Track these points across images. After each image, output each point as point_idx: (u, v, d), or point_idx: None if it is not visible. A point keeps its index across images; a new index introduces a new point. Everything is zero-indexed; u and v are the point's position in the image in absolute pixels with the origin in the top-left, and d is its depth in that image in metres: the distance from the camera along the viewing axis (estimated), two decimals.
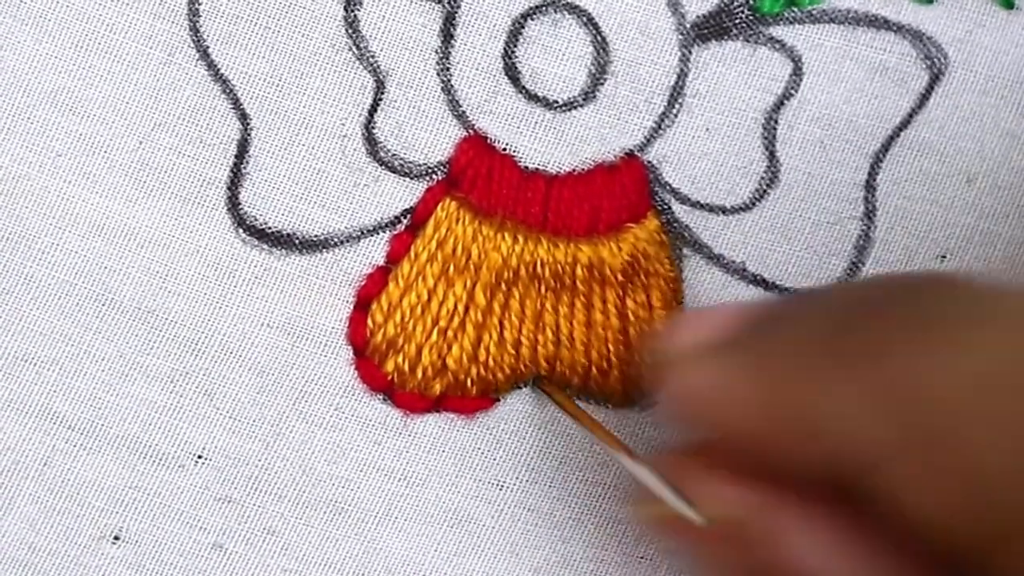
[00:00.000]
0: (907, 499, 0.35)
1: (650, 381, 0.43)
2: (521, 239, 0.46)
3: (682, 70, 0.46)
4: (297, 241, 0.46)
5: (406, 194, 0.46)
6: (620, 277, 0.46)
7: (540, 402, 0.47)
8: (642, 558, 0.48)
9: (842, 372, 0.36)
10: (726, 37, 0.46)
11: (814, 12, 0.46)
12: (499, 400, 0.47)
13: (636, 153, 0.46)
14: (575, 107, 0.45)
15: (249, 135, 0.45)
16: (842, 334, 0.37)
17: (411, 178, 0.46)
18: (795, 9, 0.46)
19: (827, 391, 0.36)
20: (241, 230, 0.45)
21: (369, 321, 0.46)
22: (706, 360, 0.39)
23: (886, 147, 0.47)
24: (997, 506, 0.34)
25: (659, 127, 0.46)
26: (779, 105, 0.46)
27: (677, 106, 0.46)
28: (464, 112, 0.45)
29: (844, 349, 0.36)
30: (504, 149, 0.46)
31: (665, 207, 0.46)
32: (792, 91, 0.46)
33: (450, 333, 0.46)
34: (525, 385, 0.47)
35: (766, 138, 0.46)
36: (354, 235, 0.46)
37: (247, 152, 0.45)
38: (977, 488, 0.34)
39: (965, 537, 0.35)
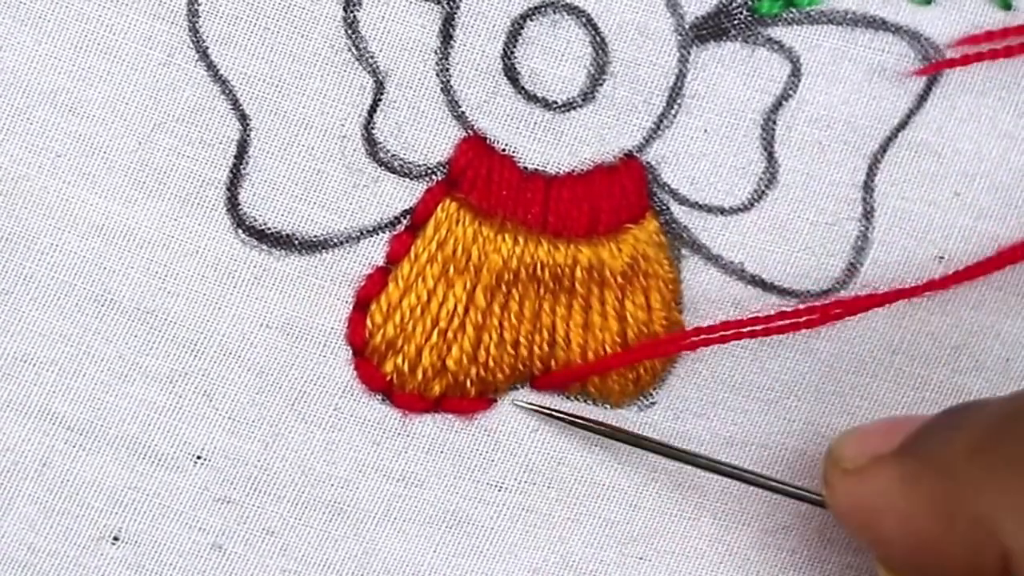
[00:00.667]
0: None
1: (828, 494, 0.44)
2: (521, 241, 0.46)
3: (681, 71, 0.46)
4: (296, 242, 0.46)
5: (406, 195, 0.46)
6: (620, 279, 0.46)
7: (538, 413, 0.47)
8: (641, 558, 0.48)
9: (1010, 476, 0.37)
10: (725, 38, 0.46)
11: (812, 13, 0.46)
12: (496, 400, 0.47)
13: (635, 154, 0.46)
14: (574, 108, 0.45)
15: (248, 136, 0.45)
16: (1010, 439, 0.38)
17: (411, 179, 0.46)
18: (793, 10, 0.46)
19: (997, 494, 0.37)
20: (240, 231, 0.45)
21: (368, 322, 0.46)
22: (874, 468, 0.40)
23: (884, 148, 0.47)
24: None
25: (658, 128, 0.46)
26: (777, 106, 0.46)
27: (676, 107, 0.46)
28: (464, 113, 0.45)
29: (1011, 454, 0.37)
30: (504, 150, 0.46)
31: (664, 208, 0.46)
32: (790, 92, 0.46)
33: (450, 334, 0.46)
34: (523, 386, 0.47)
35: (764, 139, 0.46)
36: (354, 236, 0.46)
37: (246, 153, 0.45)
38: None
39: None
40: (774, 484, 0.46)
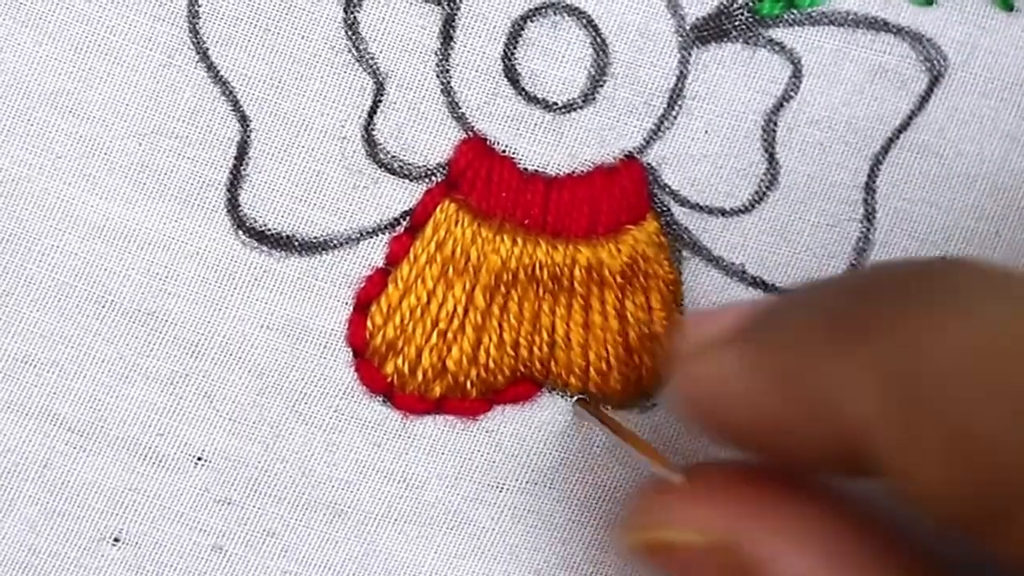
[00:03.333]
0: (910, 472, 0.35)
1: (658, 380, 0.43)
2: (520, 241, 0.46)
3: (681, 72, 0.46)
4: (296, 243, 0.46)
5: (405, 196, 0.46)
6: (619, 279, 0.46)
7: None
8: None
9: (844, 349, 0.36)
10: (725, 39, 0.46)
11: (813, 14, 0.46)
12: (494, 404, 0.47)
13: (635, 155, 0.46)
14: (574, 109, 0.45)
15: (249, 137, 0.45)
16: (846, 314, 0.37)
17: (410, 180, 0.46)
18: (794, 11, 0.46)
19: (831, 369, 0.36)
20: (241, 232, 0.45)
21: (368, 323, 0.46)
22: (712, 353, 0.39)
23: (886, 149, 0.47)
24: (998, 474, 0.33)
25: (658, 129, 0.46)
26: (778, 107, 0.46)
27: (676, 108, 0.46)
28: (464, 114, 0.45)
29: (848, 327, 0.36)
30: (503, 151, 0.46)
31: (664, 209, 0.46)
32: (791, 93, 0.46)
33: (450, 335, 0.46)
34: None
35: (765, 140, 0.46)
36: (353, 237, 0.46)
37: (247, 154, 0.45)
38: (975, 454, 0.33)
39: (972, 510, 0.34)
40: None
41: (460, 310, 0.46)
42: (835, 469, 0.38)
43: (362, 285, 0.46)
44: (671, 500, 0.40)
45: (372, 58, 0.45)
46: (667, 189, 0.46)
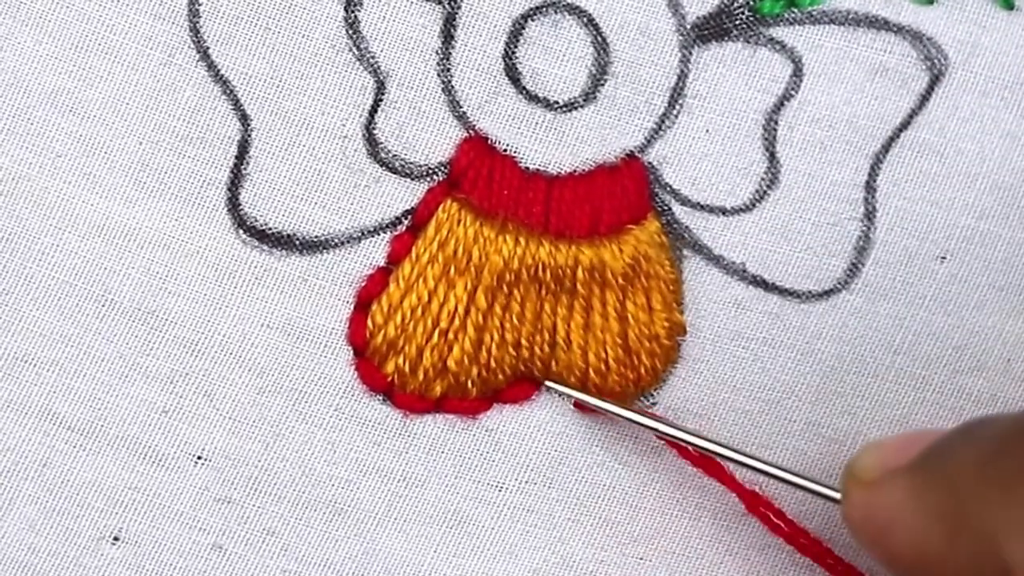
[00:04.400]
0: None
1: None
2: (522, 241, 0.46)
3: (682, 71, 0.46)
4: (297, 242, 0.46)
5: (407, 195, 0.46)
6: (621, 280, 0.46)
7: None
8: (641, 559, 0.48)
9: (1006, 494, 0.37)
10: (726, 38, 0.46)
11: (814, 13, 0.46)
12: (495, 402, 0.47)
13: (636, 154, 0.46)
14: (576, 108, 0.45)
15: (249, 136, 0.45)
16: (1011, 455, 0.38)
17: (412, 179, 0.46)
18: (795, 10, 0.46)
19: (993, 512, 0.37)
20: (241, 231, 0.45)
21: (369, 322, 0.46)
22: (886, 483, 0.41)
23: (886, 148, 0.47)
24: None
25: (659, 128, 0.46)
26: (779, 106, 0.46)
27: (677, 107, 0.46)
28: (465, 113, 0.45)
29: (1011, 470, 0.37)
30: (505, 150, 0.46)
31: (665, 208, 0.46)
32: (792, 92, 0.46)
33: (451, 334, 0.46)
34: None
35: (766, 139, 0.46)
36: (355, 236, 0.46)
37: (247, 153, 0.45)
38: None
39: None
40: (798, 480, 0.46)
41: (461, 309, 0.46)
42: None
43: (363, 284, 0.46)
44: None
45: (373, 57, 0.45)
46: (668, 188, 0.46)
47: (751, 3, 0.45)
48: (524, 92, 0.45)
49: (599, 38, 0.45)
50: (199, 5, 0.44)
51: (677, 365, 0.48)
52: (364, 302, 0.46)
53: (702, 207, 0.46)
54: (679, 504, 0.48)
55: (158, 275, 0.45)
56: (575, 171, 0.46)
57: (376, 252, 0.46)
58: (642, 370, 0.47)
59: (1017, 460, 0.37)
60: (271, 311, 0.46)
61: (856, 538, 0.43)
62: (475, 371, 0.46)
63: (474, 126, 0.45)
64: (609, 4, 0.45)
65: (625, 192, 0.46)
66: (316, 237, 0.46)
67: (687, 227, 0.47)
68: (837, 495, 0.44)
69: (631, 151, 0.46)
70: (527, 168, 0.46)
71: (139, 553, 0.47)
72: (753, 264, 0.47)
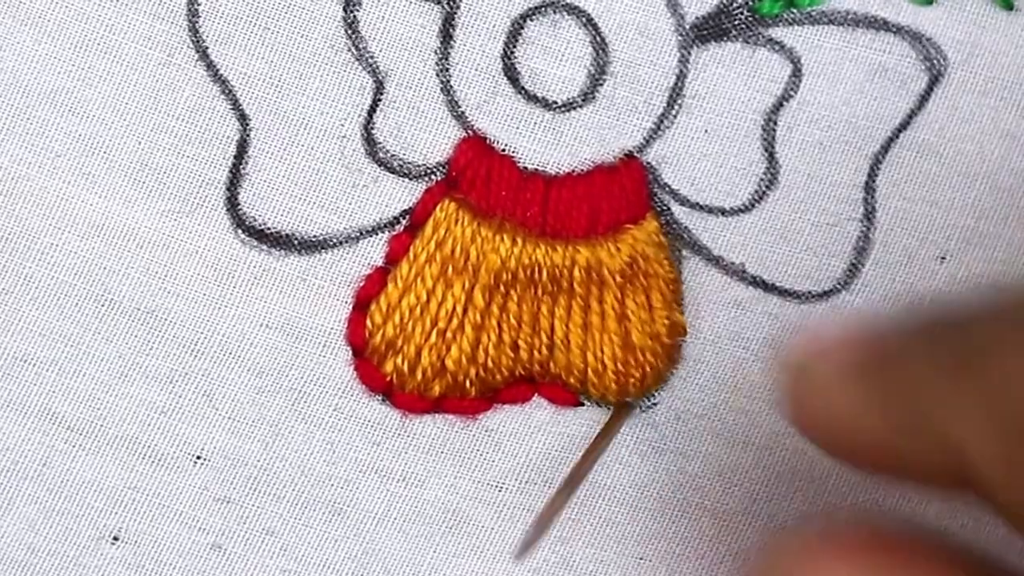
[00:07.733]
0: (1006, 487, 0.36)
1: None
2: (520, 241, 0.46)
3: (681, 71, 0.46)
4: (296, 242, 0.46)
5: (405, 195, 0.46)
6: (619, 279, 0.46)
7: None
8: (641, 558, 0.48)
9: (956, 386, 0.37)
10: (725, 38, 0.46)
11: (813, 13, 0.46)
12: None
13: (635, 154, 0.46)
14: (574, 108, 0.45)
15: (248, 135, 0.45)
16: (956, 352, 0.38)
17: (410, 179, 0.46)
18: (794, 10, 0.46)
19: (946, 407, 0.37)
20: (240, 231, 0.45)
21: (368, 322, 0.46)
22: (836, 388, 0.40)
23: (886, 148, 0.46)
24: None
25: (658, 128, 0.46)
26: (778, 106, 0.46)
27: (676, 107, 0.46)
28: (463, 113, 0.45)
29: (958, 365, 0.37)
30: (503, 150, 0.46)
31: (664, 208, 0.46)
32: (791, 92, 0.46)
33: (449, 334, 0.46)
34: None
35: (765, 139, 0.46)
36: (353, 236, 0.46)
37: (246, 153, 0.45)
38: None
39: None
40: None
41: (459, 309, 0.46)
42: (939, 484, 0.39)
43: (361, 284, 0.46)
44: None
45: (372, 57, 0.45)
46: (667, 188, 0.46)
47: (750, 3, 0.45)
48: (523, 92, 0.45)
49: (598, 38, 0.45)
50: (198, 5, 0.44)
51: (678, 365, 0.48)
52: (363, 302, 0.46)
53: (701, 207, 0.46)
54: (679, 504, 0.48)
55: (157, 275, 0.45)
56: (573, 171, 0.46)
57: (374, 252, 0.46)
58: (646, 368, 0.47)
59: (961, 354, 0.37)
60: (270, 311, 0.46)
61: (801, 433, 0.42)
62: (473, 371, 0.46)
63: (472, 126, 0.45)
64: (608, 4, 0.45)
65: (624, 192, 0.46)
66: (315, 237, 0.46)
67: (686, 227, 0.47)
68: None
69: (630, 151, 0.46)
70: (525, 168, 0.46)
71: (139, 553, 0.47)
72: (752, 264, 0.47)
